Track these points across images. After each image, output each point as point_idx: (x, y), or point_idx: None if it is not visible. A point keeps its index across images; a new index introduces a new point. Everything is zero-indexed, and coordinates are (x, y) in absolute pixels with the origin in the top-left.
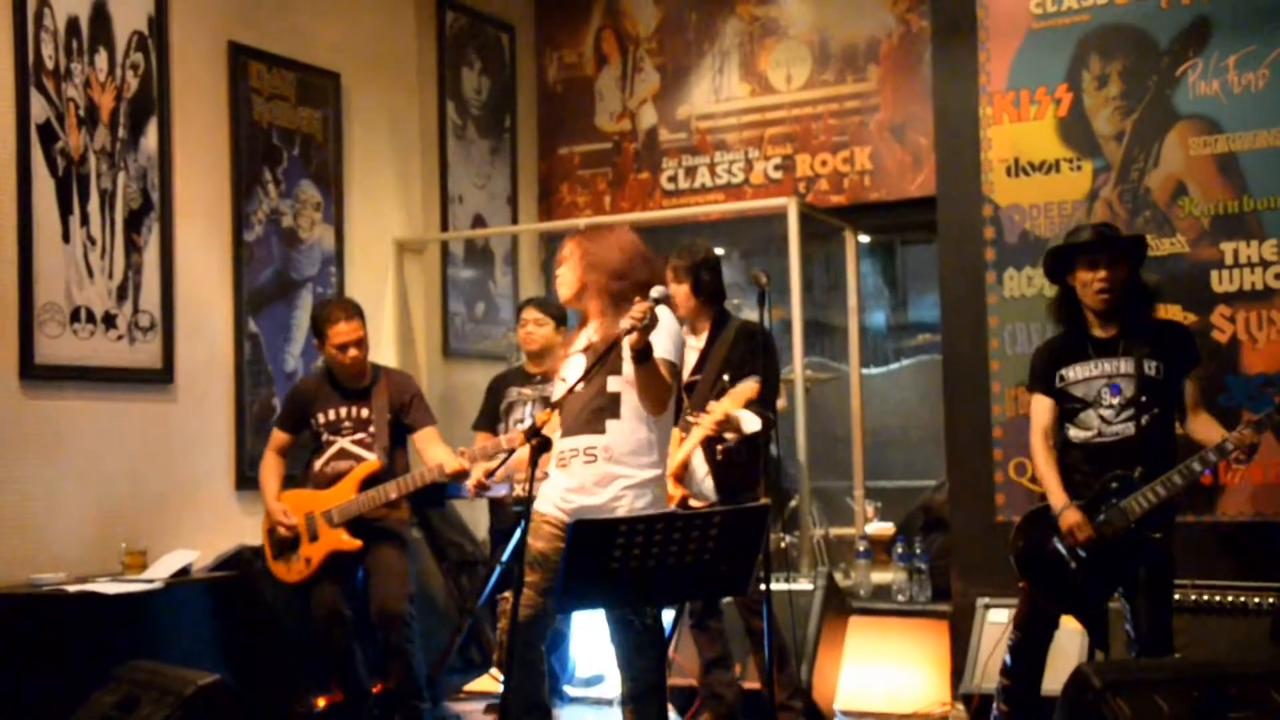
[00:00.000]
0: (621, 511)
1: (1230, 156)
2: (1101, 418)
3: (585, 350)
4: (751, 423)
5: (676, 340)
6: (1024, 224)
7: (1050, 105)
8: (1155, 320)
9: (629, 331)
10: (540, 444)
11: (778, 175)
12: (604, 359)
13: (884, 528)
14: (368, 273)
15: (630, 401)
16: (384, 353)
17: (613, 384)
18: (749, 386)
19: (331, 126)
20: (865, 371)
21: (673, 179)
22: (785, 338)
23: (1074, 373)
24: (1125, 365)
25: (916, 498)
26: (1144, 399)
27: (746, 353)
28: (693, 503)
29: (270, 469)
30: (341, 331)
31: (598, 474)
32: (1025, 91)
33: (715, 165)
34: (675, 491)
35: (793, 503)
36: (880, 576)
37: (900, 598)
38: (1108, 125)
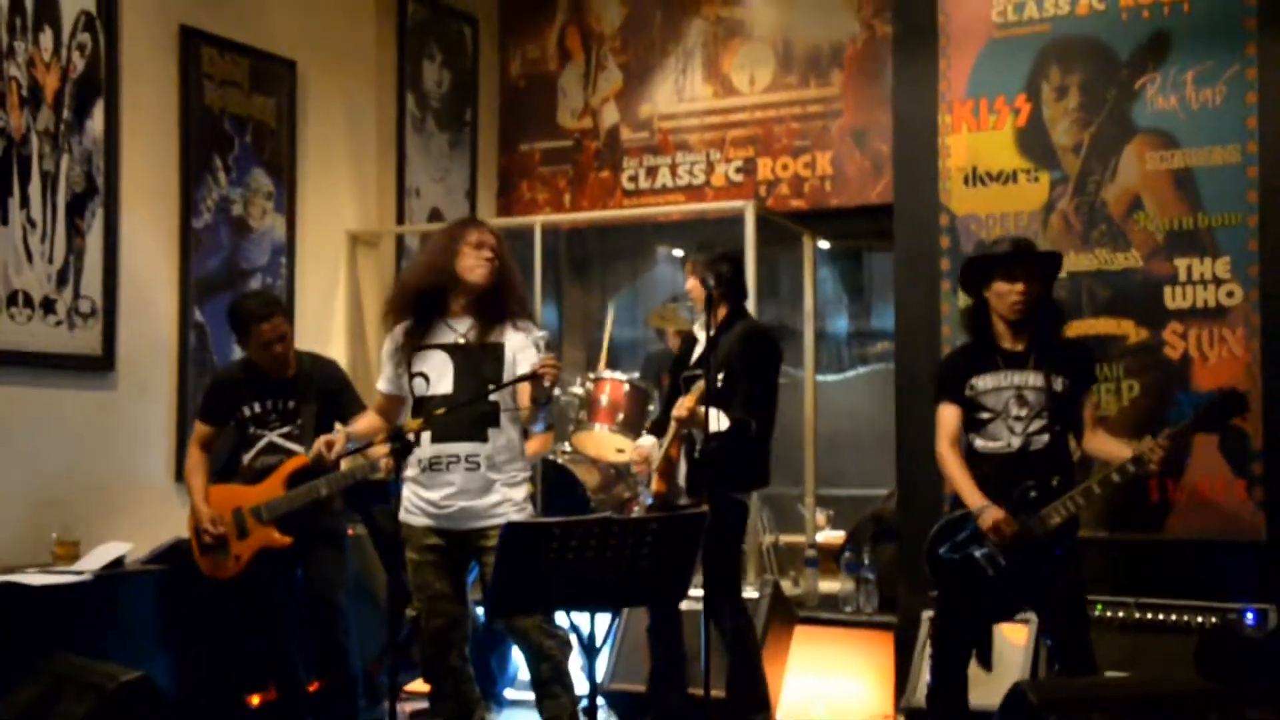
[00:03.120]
0: (504, 506)
1: (1186, 172)
2: (1010, 429)
3: (447, 347)
4: (718, 421)
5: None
6: (980, 234)
7: (1009, 115)
8: (1062, 337)
9: (539, 381)
10: (404, 447)
11: (739, 178)
12: (481, 371)
13: (834, 536)
14: (319, 264)
15: (507, 408)
16: (335, 347)
17: (493, 394)
18: (698, 385)
19: (285, 114)
20: (823, 378)
21: (633, 178)
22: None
23: (984, 383)
24: (1034, 379)
25: (869, 506)
26: (1050, 413)
27: (745, 353)
28: (683, 501)
29: (196, 465)
30: (264, 331)
31: (480, 480)
32: (985, 100)
33: (677, 166)
34: (658, 487)
35: None
36: (828, 586)
37: (847, 608)
38: (1066, 137)
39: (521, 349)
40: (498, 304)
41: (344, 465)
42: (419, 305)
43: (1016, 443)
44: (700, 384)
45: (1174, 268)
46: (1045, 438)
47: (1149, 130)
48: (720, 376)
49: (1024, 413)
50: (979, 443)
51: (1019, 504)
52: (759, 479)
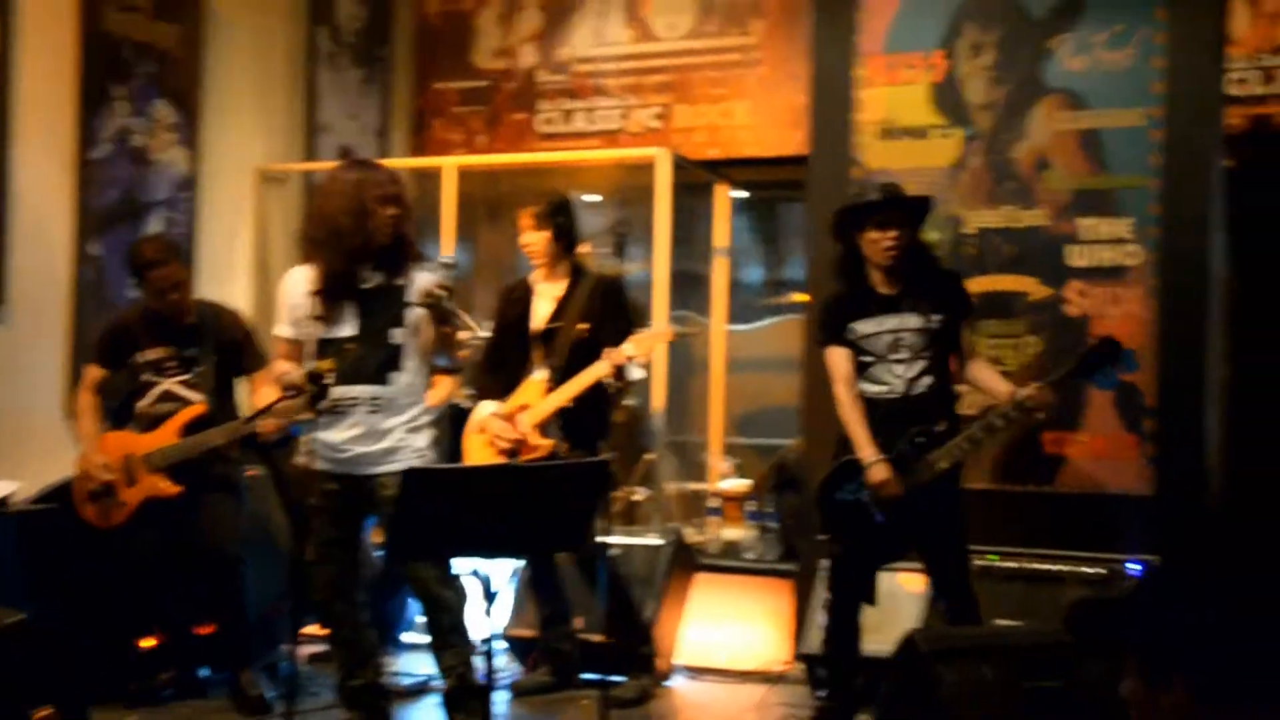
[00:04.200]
0: (405, 452)
1: (1093, 133)
2: (893, 373)
3: (359, 292)
4: (636, 372)
5: None
6: None
7: (925, 71)
8: (933, 272)
9: (430, 305)
10: (320, 390)
11: (655, 124)
12: (384, 312)
13: (740, 484)
14: (225, 200)
15: (410, 353)
16: (239, 286)
17: (396, 336)
18: (662, 332)
19: (191, 44)
20: (734, 327)
21: (550, 121)
22: (650, 289)
23: (863, 327)
24: (911, 319)
25: (775, 455)
26: (931, 352)
27: (609, 304)
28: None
29: (87, 410)
30: (160, 277)
31: (381, 423)
32: (901, 55)
33: (593, 110)
34: (539, 442)
35: (648, 456)
36: (731, 534)
37: (749, 556)
38: (979, 94)
39: (422, 282)
40: (403, 246)
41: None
42: (360, 253)
43: (900, 387)
44: (659, 331)
45: (1077, 227)
46: (928, 380)
47: (1059, 90)
48: (581, 326)
49: (904, 355)
50: (864, 386)
51: (907, 451)
52: (607, 423)
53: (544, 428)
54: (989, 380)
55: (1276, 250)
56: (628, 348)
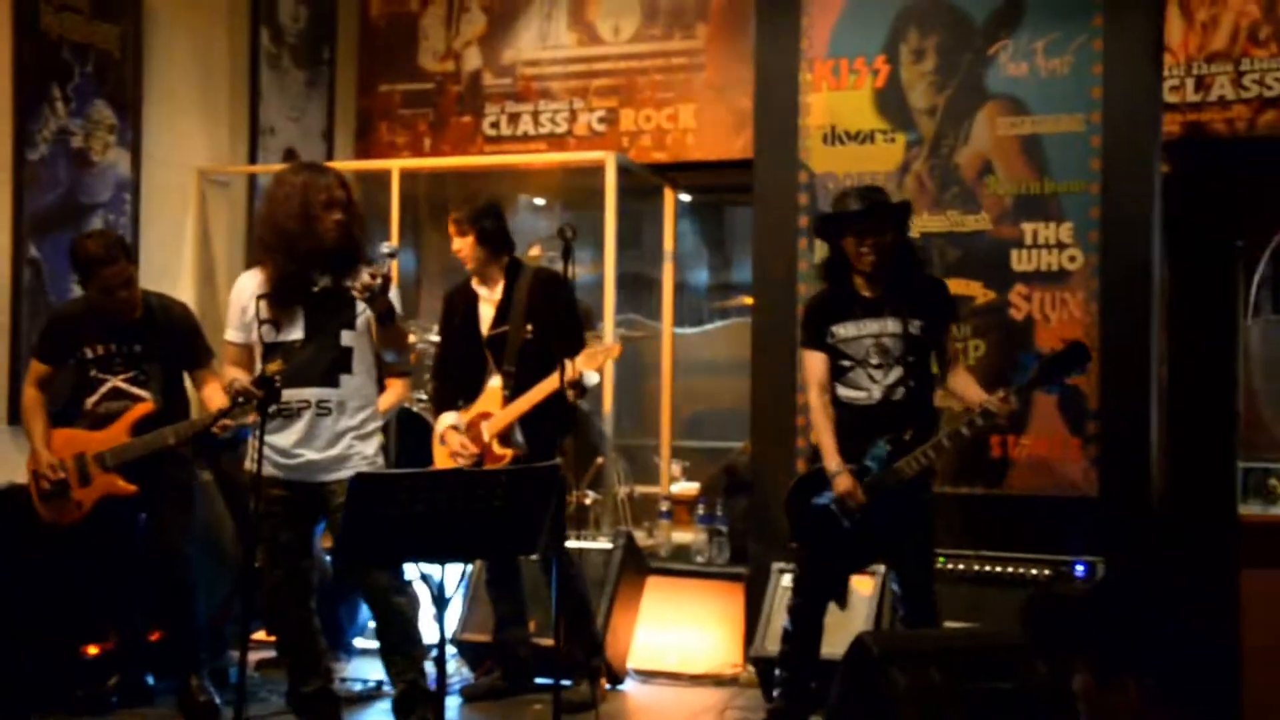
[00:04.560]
0: (354, 460)
1: (1034, 139)
2: (871, 378)
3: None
4: (592, 378)
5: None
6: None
7: (868, 76)
8: (917, 278)
9: (367, 298)
10: (270, 394)
11: (601, 128)
12: (333, 315)
13: (688, 488)
14: (167, 203)
15: (361, 355)
16: (182, 288)
17: (346, 338)
18: (609, 348)
19: (131, 44)
20: (680, 330)
21: (495, 125)
22: (598, 293)
23: (843, 330)
24: (892, 325)
25: (725, 458)
26: (911, 359)
27: (549, 300)
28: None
29: (35, 407)
30: (106, 274)
31: (331, 428)
32: (845, 60)
33: (539, 114)
34: (502, 451)
35: (599, 460)
36: (681, 537)
37: (699, 559)
38: (922, 99)
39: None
40: (351, 249)
41: (193, 413)
42: (278, 257)
43: (877, 393)
44: (607, 347)
45: (1021, 231)
46: (904, 389)
47: (1000, 96)
48: (529, 328)
49: (883, 361)
50: (841, 391)
51: (874, 458)
52: (572, 423)
53: (505, 435)
54: (964, 389)
55: (1212, 254)
56: (581, 363)
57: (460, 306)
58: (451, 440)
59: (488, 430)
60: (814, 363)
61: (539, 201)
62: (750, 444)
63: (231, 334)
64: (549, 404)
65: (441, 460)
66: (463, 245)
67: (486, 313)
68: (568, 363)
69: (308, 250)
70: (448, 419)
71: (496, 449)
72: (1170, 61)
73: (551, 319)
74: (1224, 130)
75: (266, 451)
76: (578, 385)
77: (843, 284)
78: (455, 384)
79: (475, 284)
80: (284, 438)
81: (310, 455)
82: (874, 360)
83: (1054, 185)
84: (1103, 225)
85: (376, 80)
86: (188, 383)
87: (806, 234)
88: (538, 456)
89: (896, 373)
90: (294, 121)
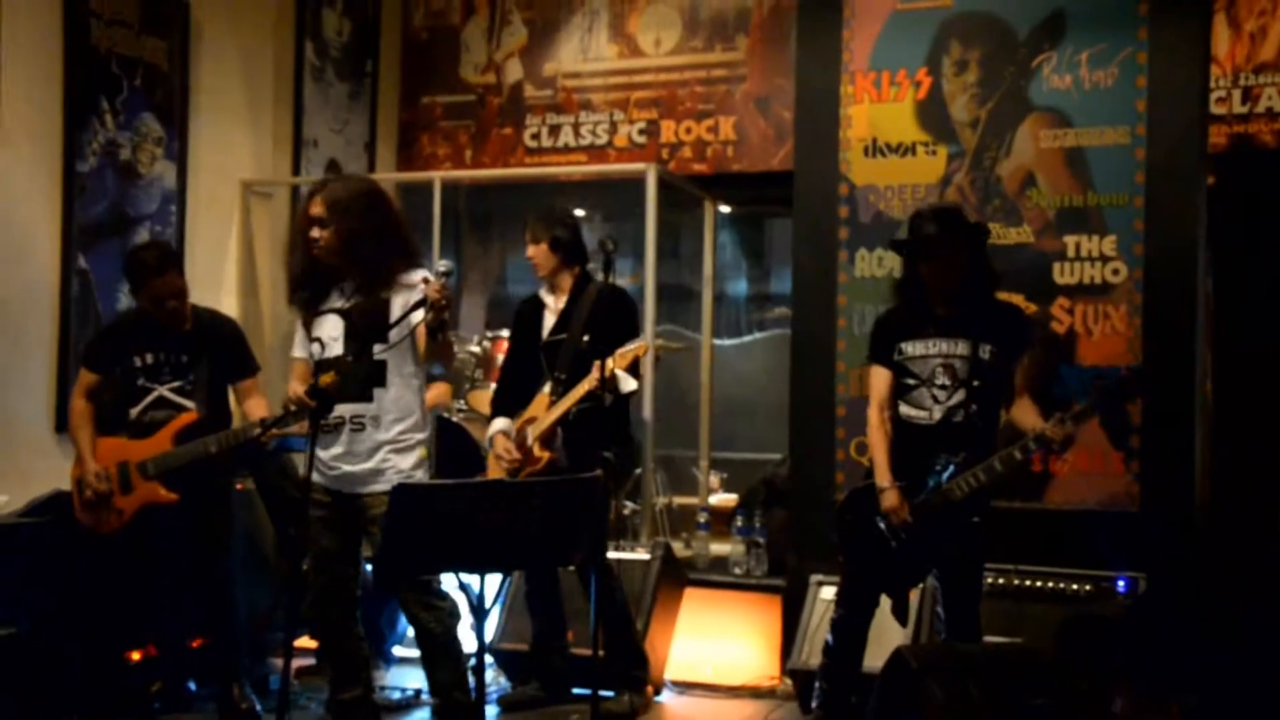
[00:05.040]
0: (389, 474)
1: (1078, 151)
2: (934, 398)
3: (339, 311)
4: (628, 383)
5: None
6: (878, 205)
7: (910, 88)
8: (994, 303)
9: (429, 310)
10: (322, 405)
11: (642, 140)
12: (366, 329)
13: (727, 499)
14: (212, 214)
15: (396, 368)
16: (227, 299)
17: (379, 353)
18: (638, 346)
19: (178, 58)
20: (720, 342)
21: (536, 136)
22: (639, 304)
23: (912, 348)
24: (961, 347)
25: (763, 470)
26: (975, 383)
27: (610, 314)
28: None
29: (82, 417)
30: (157, 285)
31: (366, 441)
32: (886, 73)
33: (580, 125)
34: (542, 454)
35: (638, 471)
36: (719, 548)
37: (737, 570)
38: (964, 112)
39: (409, 302)
40: (371, 262)
41: (235, 424)
42: (306, 276)
43: (938, 414)
44: (637, 347)
45: (1063, 244)
46: (964, 412)
47: (1044, 108)
48: (585, 339)
49: (949, 382)
50: (904, 409)
51: (926, 477)
52: (626, 436)
53: (549, 440)
54: (1023, 417)
55: (1258, 268)
56: (612, 363)
57: (528, 315)
58: (497, 444)
59: (531, 433)
60: (878, 378)
61: (579, 213)
62: (789, 456)
63: (297, 350)
64: (590, 414)
65: (492, 464)
66: (536, 252)
67: (549, 320)
68: (600, 363)
69: (299, 272)
70: (499, 424)
71: (537, 451)
72: (1217, 73)
73: (610, 332)
74: (1271, 142)
75: (315, 459)
76: (611, 385)
77: (915, 302)
78: (515, 391)
79: (544, 293)
80: (325, 451)
81: (347, 468)
82: (939, 381)
83: (1097, 198)
84: (1146, 238)
85: (418, 92)
86: (231, 398)
87: (846, 246)
88: (578, 465)
89: (960, 395)
90: (337, 133)
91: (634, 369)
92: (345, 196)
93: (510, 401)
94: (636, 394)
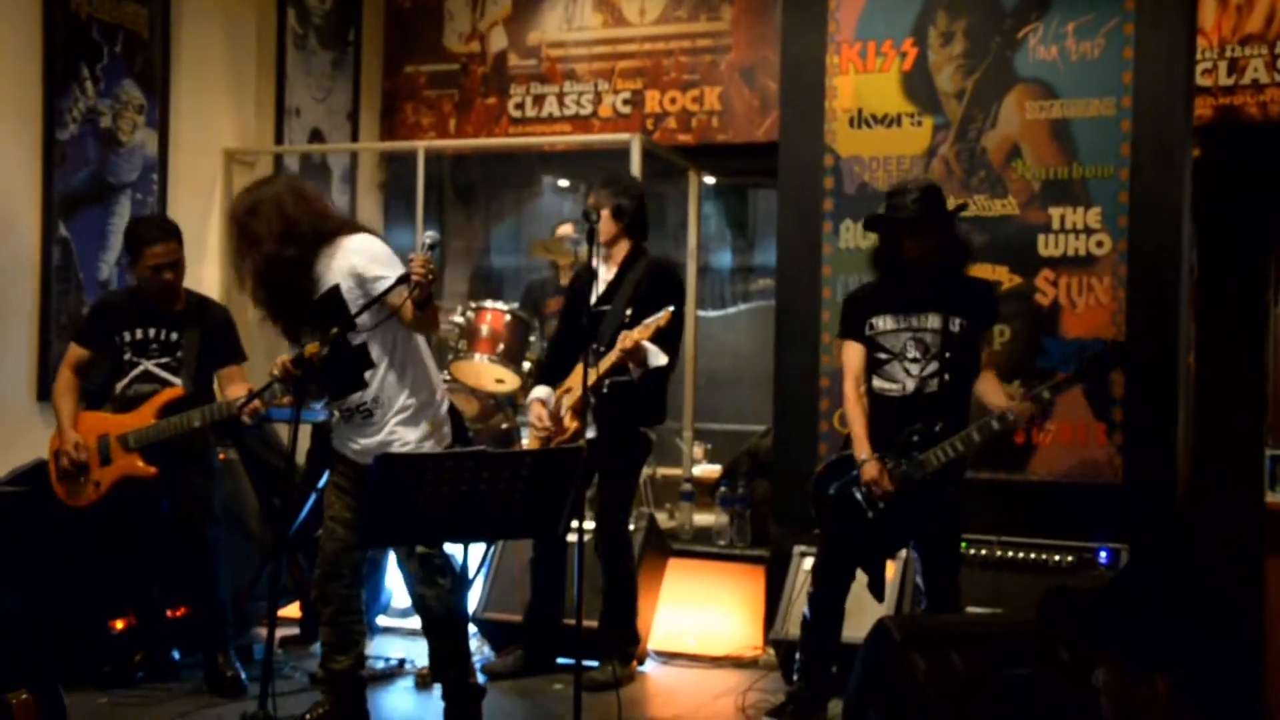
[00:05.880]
0: (395, 447)
1: (1063, 123)
2: (906, 371)
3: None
4: (657, 357)
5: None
6: (863, 176)
7: (896, 59)
8: (964, 277)
9: (414, 288)
10: (308, 374)
11: (626, 110)
12: (330, 322)
13: (710, 470)
14: (193, 183)
15: (381, 346)
16: (209, 269)
17: (355, 339)
18: (661, 316)
19: (159, 24)
20: (705, 314)
21: (520, 106)
22: (684, 280)
23: (883, 323)
24: (933, 320)
25: (747, 441)
26: (948, 355)
27: (656, 289)
28: (590, 434)
29: (67, 388)
30: (157, 253)
31: (375, 423)
32: (872, 43)
33: (564, 95)
34: (572, 424)
35: None
36: (703, 519)
37: (720, 541)
38: (950, 83)
39: (340, 270)
40: (296, 259)
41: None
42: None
43: (911, 386)
44: (660, 317)
45: (1048, 216)
46: (937, 382)
47: (1029, 80)
48: (628, 312)
49: (920, 355)
50: (877, 383)
51: (903, 447)
52: (660, 413)
53: (583, 411)
54: (989, 394)
55: (1242, 239)
56: (635, 334)
57: (581, 285)
58: (532, 412)
59: (565, 403)
60: (851, 353)
61: (563, 183)
62: (772, 426)
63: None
64: (625, 388)
65: (530, 432)
66: (606, 220)
67: (598, 290)
68: (624, 334)
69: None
70: (538, 392)
71: (568, 421)
72: (1203, 44)
73: (654, 308)
74: (1257, 114)
75: (341, 431)
76: (637, 356)
77: (888, 277)
78: (560, 360)
79: (597, 262)
80: (343, 430)
81: (364, 441)
82: (911, 354)
83: (1082, 170)
84: (1131, 210)
85: (402, 61)
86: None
87: (831, 217)
88: (610, 439)
89: (932, 366)
90: (320, 102)
91: (667, 338)
92: (243, 238)
93: (555, 370)
94: (671, 369)
